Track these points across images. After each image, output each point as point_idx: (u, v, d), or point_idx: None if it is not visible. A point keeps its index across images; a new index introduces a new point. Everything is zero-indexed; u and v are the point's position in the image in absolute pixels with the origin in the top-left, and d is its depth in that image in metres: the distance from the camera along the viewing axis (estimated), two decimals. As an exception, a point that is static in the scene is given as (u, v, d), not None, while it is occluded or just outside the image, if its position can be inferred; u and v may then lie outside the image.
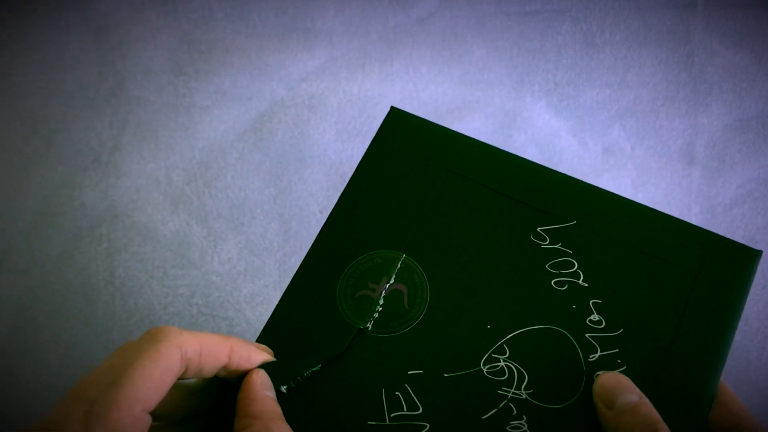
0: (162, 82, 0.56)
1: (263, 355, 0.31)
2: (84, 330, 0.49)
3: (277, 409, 0.29)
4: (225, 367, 0.29)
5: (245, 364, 0.30)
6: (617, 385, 0.30)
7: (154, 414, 0.26)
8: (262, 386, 0.29)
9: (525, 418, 0.31)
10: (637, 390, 0.30)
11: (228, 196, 0.53)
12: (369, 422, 0.31)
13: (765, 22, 0.56)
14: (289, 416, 0.30)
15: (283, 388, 0.31)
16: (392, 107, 0.38)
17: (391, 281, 0.34)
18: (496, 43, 0.57)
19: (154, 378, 0.25)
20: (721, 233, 0.34)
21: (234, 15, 0.58)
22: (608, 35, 0.57)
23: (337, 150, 0.54)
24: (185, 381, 0.30)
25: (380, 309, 0.33)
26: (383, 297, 0.33)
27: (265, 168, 0.54)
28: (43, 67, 0.57)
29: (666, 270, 0.33)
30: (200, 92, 0.56)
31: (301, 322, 0.33)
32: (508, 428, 0.31)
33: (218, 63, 0.57)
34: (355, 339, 0.33)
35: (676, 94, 0.55)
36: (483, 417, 0.31)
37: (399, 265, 0.34)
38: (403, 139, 0.37)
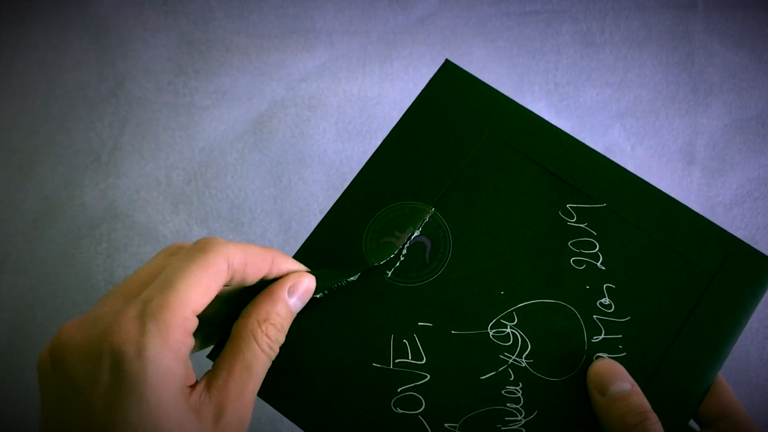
0: (162, 82, 0.56)
1: (301, 267, 0.32)
2: (84, 330, 0.49)
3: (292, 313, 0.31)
4: (265, 277, 0.30)
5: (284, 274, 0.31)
6: (611, 373, 0.31)
7: (199, 317, 0.28)
8: (289, 288, 0.31)
9: (521, 385, 0.32)
10: (630, 379, 0.31)
11: (228, 196, 0.53)
12: (374, 364, 0.32)
13: (765, 22, 0.56)
14: (300, 342, 0.32)
15: (318, 295, 0.32)
16: (447, 60, 0.38)
17: (417, 233, 0.34)
18: (496, 43, 0.57)
19: (203, 284, 0.27)
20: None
21: (234, 15, 0.58)
22: (608, 35, 0.57)
23: (337, 150, 0.54)
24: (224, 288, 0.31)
25: (402, 259, 0.34)
26: (406, 248, 0.34)
27: (265, 168, 0.54)
28: (43, 67, 0.57)
29: (684, 267, 0.33)
30: (200, 92, 0.56)
31: (326, 257, 0.34)
32: (503, 392, 0.32)
33: (218, 63, 0.57)
34: (374, 283, 0.34)
35: (676, 94, 0.55)
36: (481, 377, 0.32)
37: (426, 219, 0.35)
38: (452, 95, 0.37)
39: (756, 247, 0.34)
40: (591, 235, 0.34)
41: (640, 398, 0.30)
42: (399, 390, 0.32)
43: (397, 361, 0.32)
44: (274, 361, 0.30)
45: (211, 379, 0.27)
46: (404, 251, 0.34)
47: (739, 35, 0.56)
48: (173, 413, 0.25)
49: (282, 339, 0.30)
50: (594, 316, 0.33)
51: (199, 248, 0.28)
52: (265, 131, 0.55)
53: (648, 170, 0.53)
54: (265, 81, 0.56)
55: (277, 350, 0.30)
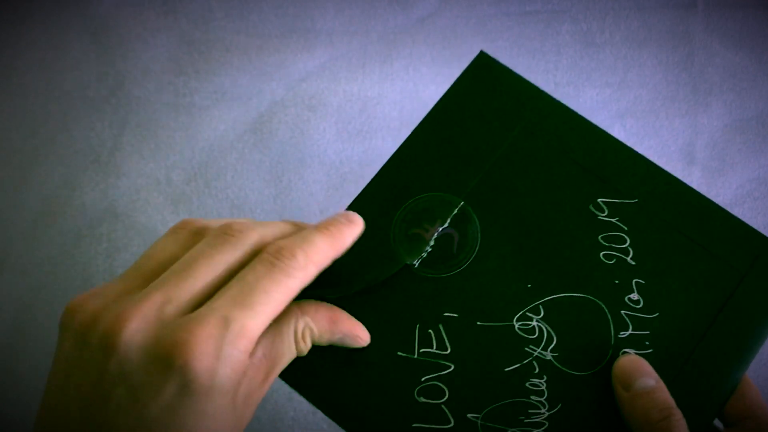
0: (162, 82, 0.56)
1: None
2: (84, 330, 0.49)
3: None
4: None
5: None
6: (636, 368, 0.31)
7: None
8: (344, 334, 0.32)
9: (545, 377, 0.32)
10: (655, 375, 0.31)
11: (228, 196, 0.53)
12: (399, 353, 0.32)
13: (765, 22, 0.56)
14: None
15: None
16: (481, 51, 0.37)
17: (445, 225, 0.34)
18: (496, 43, 0.57)
19: (278, 310, 0.27)
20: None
21: (234, 15, 0.58)
22: (608, 35, 0.57)
23: (337, 150, 0.54)
24: None
25: (429, 249, 0.34)
26: (434, 239, 0.34)
27: (265, 168, 0.54)
28: (43, 67, 0.57)
29: (715, 265, 0.33)
30: (200, 92, 0.56)
31: (354, 246, 0.34)
32: (527, 384, 0.32)
33: (218, 63, 0.57)
34: (401, 273, 0.34)
35: (676, 94, 0.55)
36: (506, 369, 0.32)
37: (455, 211, 0.35)
38: (485, 87, 0.37)
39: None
40: (622, 230, 0.34)
41: (664, 394, 0.30)
42: (423, 379, 0.32)
43: (421, 350, 0.33)
44: None
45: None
46: (432, 242, 0.34)
47: (739, 35, 0.56)
48: (225, 419, 0.25)
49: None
50: (622, 312, 0.33)
51: (281, 268, 0.27)
52: (265, 131, 0.55)
53: (648, 170, 0.53)
54: (265, 81, 0.56)
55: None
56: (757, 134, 0.54)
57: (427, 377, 0.32)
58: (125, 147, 0.54)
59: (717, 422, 0.33)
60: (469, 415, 0.32)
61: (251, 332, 0.25)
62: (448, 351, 0.33)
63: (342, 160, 0.54)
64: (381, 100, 0.55)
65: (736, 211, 0.52)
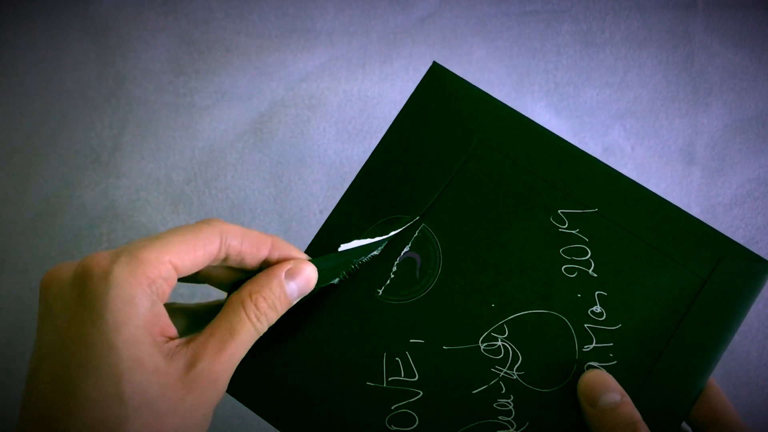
0: (162, 82, 0.56)
1: (303, 255, 0.32)
2: (84, 330, 0.49)
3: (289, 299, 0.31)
4: (267, 261, 0.30)
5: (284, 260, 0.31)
6: (601, 384, 0.31)
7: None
8: (287, 271, 0.30)
9: (512, 397, 0.32)
10: (620, 389, 0.31)
11: (228, 196, 0.53)
12: (368, 383, 0.32)
13: (765, 22, 0.56)
14: (295, 362, 0.32)
15: (336, 281, 0.33)
16: (434, 62, 0.37)
17: (407, 248, 0.34)
18: (496, 43, 0.57)
19: (188, 243, 0.27)
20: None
21: (234, 15, 0.58)
22: (608, 35, 0.57)
23: (337, 150, 0.54)
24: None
25: (392, 276, 0.34)
26: (396, 264, 0.34)
27: (265, 168, 0.54)
28: (43, 67, 0.57)
29: (677, 272, 0.33)
30: (200, 92, 0.56)
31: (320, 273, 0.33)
32: (495, 405, 0.32)
33: (218, 63, 0.57)
34: (365, 302, 0.34)
35: (676, 94, 0.55)
36: (473, 391, 0.32)
37: (416, 234, 0.34)
38: (440, 100, 0.36)
39: (756, 247, 0.33)
40: (583, 242, 0.33)
41: (629, 408, 0.30)
42: (393, 407, 0.32)
43: (390, 379, 0.32)
44: (271, 380, 0.30)
45: (192, 337, 0.28)
46: (394, 268, 0.34)
47: (739, 35, 0.56)
48: (133, 343, 0.25)
49: (273, 318, 0.30)
50: (585, 325, 0.33)
51: (196, 223, 0.28)
52: (265, 131, 0.55)
53: (648, 170, 0.53)
54: (265, 81, 0.56)
55: (266, 327, 0.29)
56: (757, 134, 0.54)
57: (396, 405, 0.32)
58: (125, 147, 0.54)
59: (685, 425, 0.33)
60: None
61: (149, 248, 0.26)
62: (416, 378, 0.32)
63: (342, 160, 0.54)
64: (381, 100, 0.55)
65: (736, 211, 0.52)
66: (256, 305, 0.29)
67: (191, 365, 0.26)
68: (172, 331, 0.27)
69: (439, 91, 0.36)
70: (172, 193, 0.53)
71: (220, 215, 0.52)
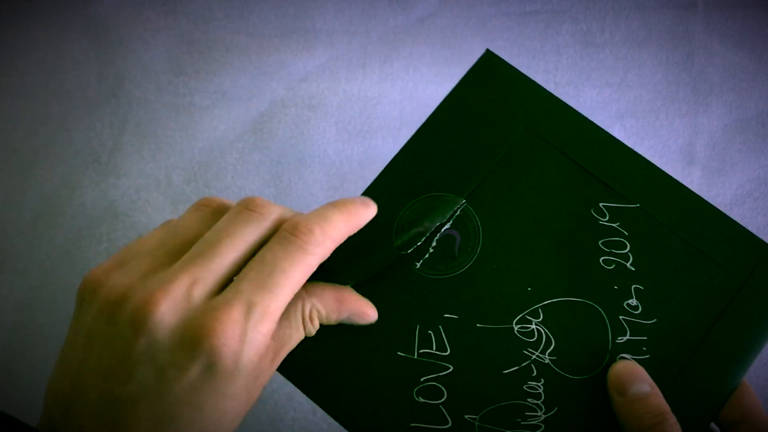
0: (162, 82, 0.56)
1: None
2: (84, 330, 0.49)
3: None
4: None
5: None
6: (631, 374, 0.31)
7: None
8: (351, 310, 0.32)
9: (542, 381, 0.32)
10: (649, 380, 0.31)
11: (228, 196, 0.53)
12: (399, 353, 0.33)
13: (765, 22, 0.56)
14: (328, 329, 0.33)
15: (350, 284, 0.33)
16: (487, 50, 0.37)
17: (447, 226, 0.34)
18: (496, 43, 0.57)
19: (297, 288, 0.28)
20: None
21: (234, 15, 0.58)
22: (608, 35, 0.57)
23: (337, 150, 0.54)
24: None
25: (431, 251, 0.34)
26: (436, 240, 0.34)
27: (265, 168, 0.54)
28: (43, 67, 0.57)
29: (715, 272, 0.33)
30: (200, 92, 0.56)
31: (357, 242, 0.33)
32: (524, 387, 0.32)
33: (218, 63, 0.57)
34: (402, 273, 0.34)
35: (676, 94, 0.55)
36: (504, 371, 0.32)
37: (457, 211, 0.35)
38: (490, 86, 0.37)
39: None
40: (622, 235, 0.34)
41: (658, 400, 0.30)
42: (422, 380, 0.32)
43: (421, 351, 0.33)
44: (302, 345, 0.31)
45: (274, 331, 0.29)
46: (434, 243, 0.34)
47: (739, 35, 0.56)
48: (241, 399, 0.27)
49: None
50: (620, 317, 0.33)
51: (299, 245, 0.28)
52: (265, 131, 0.55)
53: (648, 170, 0.53)
54: (265, 81, 0.56)
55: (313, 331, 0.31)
56: (757, 134, 0.54)
57: (426, 378, 0.32)
58: (125, 147, 0.54)
59: (713, 425, 0.33)
60: (466, 416, 0.32)
61: (273, 315, 0.26)
62: (448, 352, 0.33)
63: (342, 160, 0.54)
64: (381, 100, 0.55)
65: (736, 211, 0.52)
66: (312, 323, 0.31)
67: (257, 377, 0.28)
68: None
69: (490, 77, 0.37)
70: (172, 193, 0.53)
71: (220, 215, 0.52)
